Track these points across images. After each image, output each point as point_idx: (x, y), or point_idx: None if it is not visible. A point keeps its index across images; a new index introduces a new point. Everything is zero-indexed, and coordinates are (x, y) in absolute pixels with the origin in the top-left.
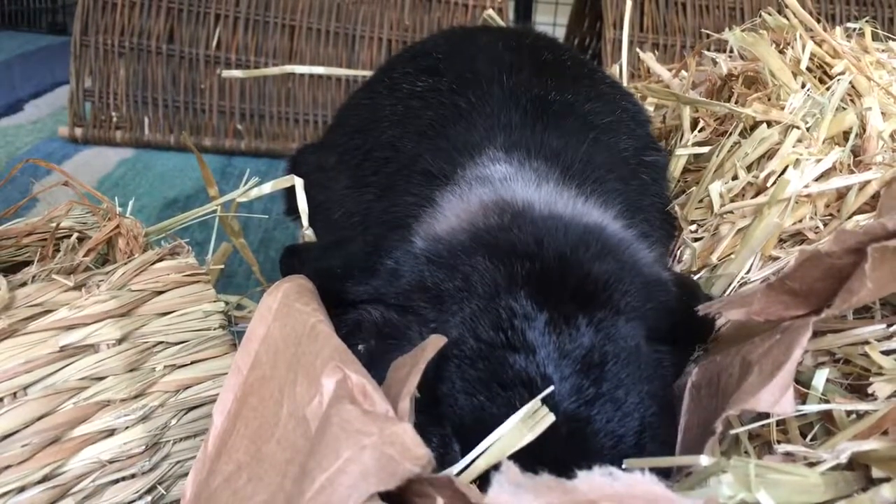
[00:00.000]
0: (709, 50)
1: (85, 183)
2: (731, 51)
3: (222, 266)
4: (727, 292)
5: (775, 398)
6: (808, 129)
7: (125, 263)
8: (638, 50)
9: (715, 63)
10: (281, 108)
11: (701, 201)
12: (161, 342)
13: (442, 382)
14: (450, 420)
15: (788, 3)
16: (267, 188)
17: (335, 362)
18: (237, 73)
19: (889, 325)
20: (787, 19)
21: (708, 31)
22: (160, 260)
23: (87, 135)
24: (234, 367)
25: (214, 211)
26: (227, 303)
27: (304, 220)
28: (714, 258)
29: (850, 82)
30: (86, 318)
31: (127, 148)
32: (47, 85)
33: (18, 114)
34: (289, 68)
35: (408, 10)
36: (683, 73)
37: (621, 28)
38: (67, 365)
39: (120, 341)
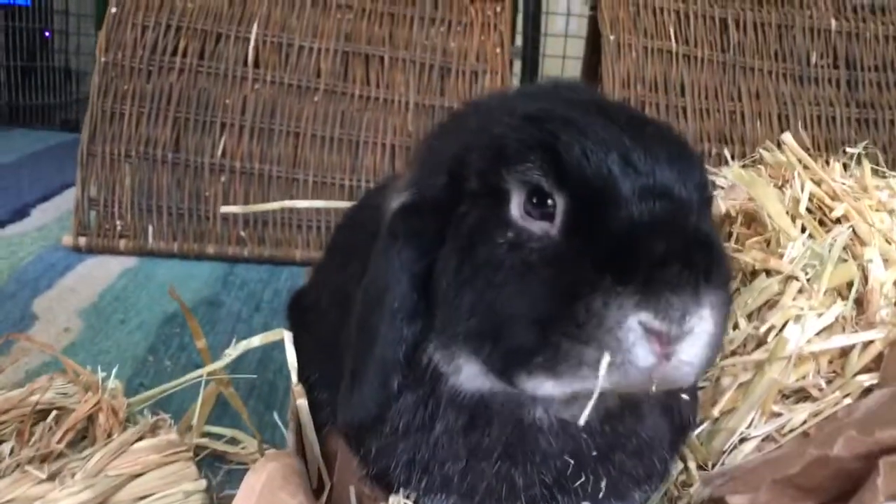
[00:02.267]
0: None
1: (86, 296)
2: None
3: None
4: (727, 447)
5: None
6: (808, 281)
7: (104, 445)
8: None
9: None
10: (284, 215)
11: None
12: None
13: None
14: None
15: (785, 141)
16: (255, 342)
17: None
18: (236, 209)
19: None
20: (785, 156)
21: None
22: (140, 439)
23: (91, 244)
24: None
25: (201, 376)
26: (209, 481)
27: (294, 377)
28: (715, 411)
29: (851, 226)
30: None
31: (130, 256)
32: (55, 187)
33: (25, 220)
34: (288, 203)
35: (411, 115)
36: None
37: None
38: None
39: None
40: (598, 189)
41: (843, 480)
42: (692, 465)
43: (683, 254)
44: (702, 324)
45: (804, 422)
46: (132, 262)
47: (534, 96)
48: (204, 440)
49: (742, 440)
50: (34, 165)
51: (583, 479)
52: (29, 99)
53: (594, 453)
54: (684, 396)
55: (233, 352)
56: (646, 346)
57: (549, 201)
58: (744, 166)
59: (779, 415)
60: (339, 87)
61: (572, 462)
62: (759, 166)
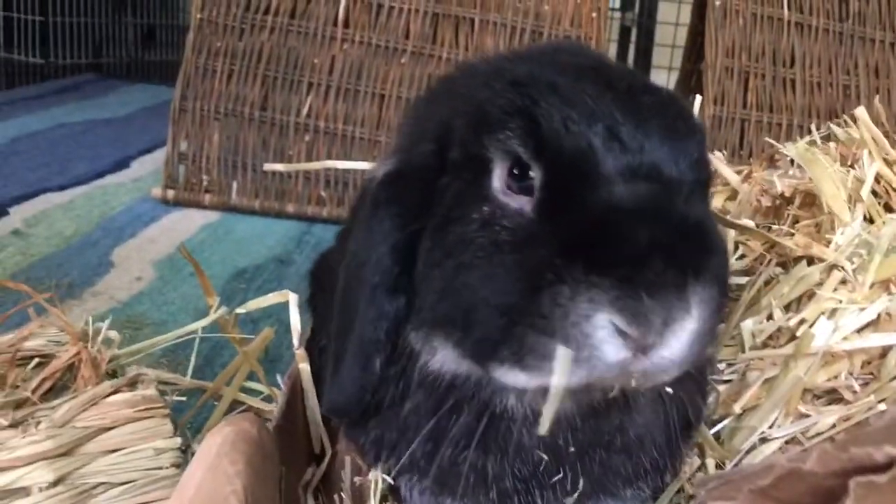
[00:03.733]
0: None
1: (164, 247)
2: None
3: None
4: (747, 446)
5: None
6: (853, 271)
7: (74, 397)
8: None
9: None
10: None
11: (732, 338)
12: (103, 483)
13: None
14: None
15: (859, 116)
16: (264, 302)
17: None
18: (279, 167)
19: None
20: (859, 132)
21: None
22: (115, 392)
23: (179, 197)
24: None
25: (196, 332)
26: (183, 441)
27: (296, 340)
28: (737, 408)
29: None
30: (17, 460)
31: (214, 211)
32: (159, 141)
33: (124, 171)
34: (329, 163)
35: None
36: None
37: (722, 104)
38: None
39: (55, 483)
40: (577, 164)
41: (822, 498)
42: (710, 462)
43: (668, 246)
44: (685, 324)
45: (833, 426)
46: (214, 217)
47: (528, 59)
48: (242, 395)
49: (763, 440)
50: (145, 119)
51: (560, 475)
52: (152, 55)
53: (572, 449)
54: (668, 390)
55: (242, 310)
56: (617, 343)
57: (531, 174)
58: (813, 142)
59: (806, 416)
60: (427, 50)
61: (547, 457)
62: (831, 143)
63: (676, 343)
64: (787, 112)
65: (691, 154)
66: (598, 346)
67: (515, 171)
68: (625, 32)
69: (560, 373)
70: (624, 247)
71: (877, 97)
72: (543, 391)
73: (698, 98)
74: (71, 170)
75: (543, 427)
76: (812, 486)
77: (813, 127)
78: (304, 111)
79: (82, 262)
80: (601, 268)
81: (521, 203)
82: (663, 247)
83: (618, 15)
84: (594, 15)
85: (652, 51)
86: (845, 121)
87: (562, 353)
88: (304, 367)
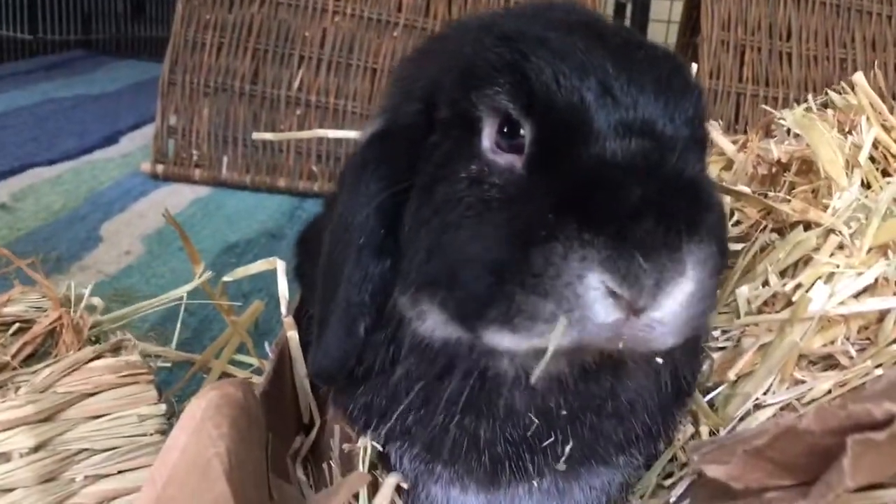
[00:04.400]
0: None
1: (153, 222)
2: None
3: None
4: (741, 413)
5: None
6: (851, 236)
7: (55, 362)
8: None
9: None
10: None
11: (727, 305)
12: (85, 449)
13: None
14: None
15: (857, 82)
16: (251, 269)
17: None
18: (268, 136)
19: None
20: (857, 99)
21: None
22: (98, 357)
23: (168, 171)
24: (150, 478)
25: (181, 298)
26: (170, 406)
27: (283, 308)
28: (731, 374)
29: None
30: None
31: (204, 186)
32: (148, 117)
33: (113, 147)
34: (320, 132)
35: None
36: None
37: (718, 78)
38: None
39: (36, 449)
40: (569, 119)
41: (820, 458)
42: (704, 429)
43: (661, 204)
44: (680, 285)
45: (829, 391)
46: (205, 192)
47: (519, 15)
48: (231, 368)
49: (757, 407)
50: (134, 95)
51: (552, 439)
52: (142, 30)
53: (563, 412)
54: (658, 360)
55: (229, 278)
56: (608, 304)
57: (522, 131)
58: (808, 109)
59: (802, 382)
60: (420, 23)
61: (538, 420)
62: (829, 110)
63: (670, 304)
64: (783, 86)
65: (686, 111)
66: (590, 307)
67: (505, 129)
68: (620, 8)
69: (556, 335)
70: (617, 204)
71: (871, 72)
72: (534, 352)
73: (694, 66)
74: (59, 145)
75: (534, 376)
76: (809, 444)
77: (810, 97)
78: (296, 85)
79: (70, 237)
80: (594, 225)
81: (511, 160)
82: (656, 204)
83: None
84: None
85: (647, 26)
86: (843, 88)
87: (562, 319)
88: (293, 334)
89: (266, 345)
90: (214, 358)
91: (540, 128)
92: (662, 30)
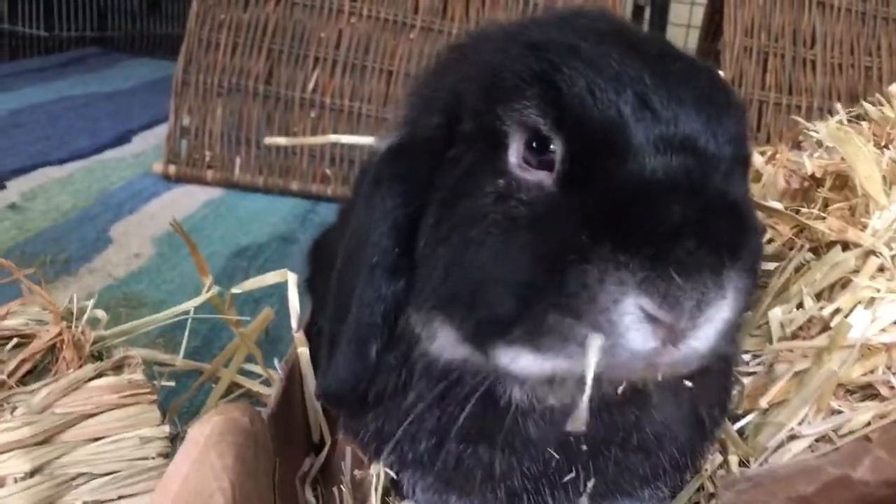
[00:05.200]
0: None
1: (164, 224)
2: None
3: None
4: (774, 444)
5: None
6: (892, 258)
7: (54, 381)
8: None
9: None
10: None
11: (759, 327)
12: (84, 473)
13: None
14: None
15: (893, 94)
16: (262, 281)
17: None
18: (281, 141)
19: None
20: (894, 111)
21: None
22: (99, 376)
23: (180, 172)
24: None
25: (187, 312)
26: (173, 430)
27: (294, 322)
28: (763, 402)
29: None
30: None
31: (216, 187)
32: (161, 116)
33: (124, 146)
34: (333, 138)
35: None
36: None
37: (740, 84)
38: None
39: (32, 474)
40: (605, 134)
41: None
42: (733, 459)
43: (703, 225)
44: (719, 313)
45: (868, 423)
46: (217, 194)
47: (546, 23)
48: (240, 378)
49: (791, 438)
50: (147, 94)
51: (573, 474)
52: (157, 28)
53: (584, 447)
54: (687, 384)
55: (238, 289)
56: (645, 331)
57: (552, 146)
58: (841, 122)
59: (839, 412)
60: (437, 25)
61: (557, 455)
62: (863, 123)
63: (709, 331)
64: (806, 94)
65: (729, 128)
66: (625, 335)
67: (534, 145)
68: (638, 11)
69: (592, 361)
70: (656, 224)
71: None
72: (549, 381)
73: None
74: (71, 143)
75: (579, 421)
76: (861, 495)
77: (839, 106)
78: (310, 86)
79: (80, 238)
80: (630, 247)
81: (540, 177)
82: (698, 225)
83: None
84: None
85: (666, 30)
86: (879, 100)
87: (594, 340)
88: (303, 351)
89: (275, 357)
90: (223, 367)
91: (572, 143)
92: (682, 34)
